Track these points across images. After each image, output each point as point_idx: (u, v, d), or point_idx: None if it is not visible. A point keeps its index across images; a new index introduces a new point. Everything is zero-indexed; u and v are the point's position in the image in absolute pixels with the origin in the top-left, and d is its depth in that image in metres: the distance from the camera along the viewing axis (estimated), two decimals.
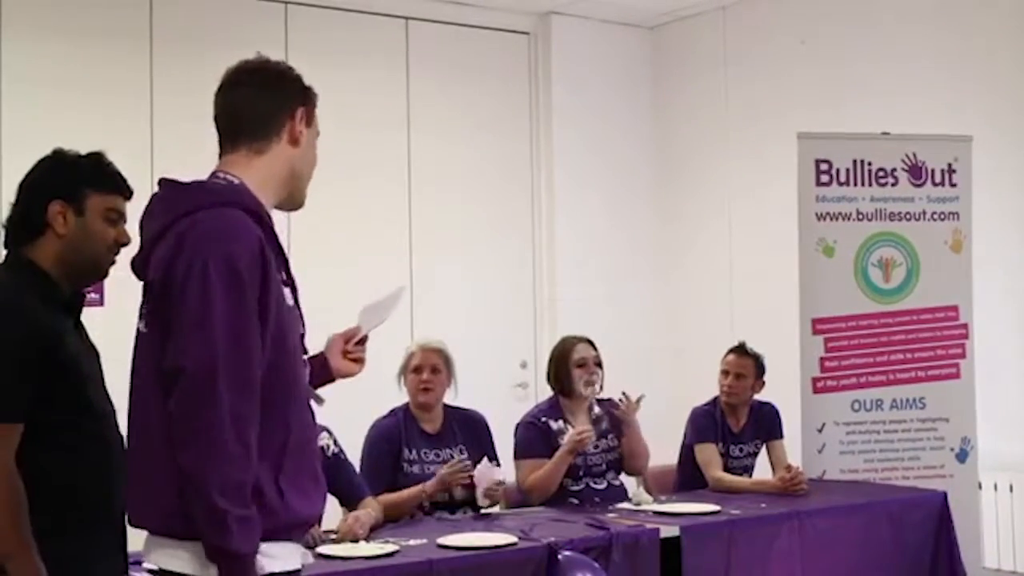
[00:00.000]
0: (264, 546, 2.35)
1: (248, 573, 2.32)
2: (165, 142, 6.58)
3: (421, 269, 7.30)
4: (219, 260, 2.34)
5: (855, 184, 5.95)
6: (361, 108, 7.08)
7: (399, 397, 4.98)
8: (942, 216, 5.98)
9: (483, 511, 4.77)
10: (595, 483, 5.15)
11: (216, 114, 2.65)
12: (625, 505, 4.89)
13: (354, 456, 4.74)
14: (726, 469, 5.43)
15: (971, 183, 6.00)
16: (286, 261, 2.55)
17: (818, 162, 5.93)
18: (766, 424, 5.63)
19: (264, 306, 2.38)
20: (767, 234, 7.13)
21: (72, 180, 2.96)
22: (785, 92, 7.30)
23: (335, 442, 4.59)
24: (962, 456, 5.86)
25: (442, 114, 7.44)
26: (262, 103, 2.62)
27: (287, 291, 2.50)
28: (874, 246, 5.92)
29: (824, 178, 5.93)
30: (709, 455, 5.42)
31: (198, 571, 2.36)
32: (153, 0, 6.61)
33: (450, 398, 5.02)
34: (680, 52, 8.09)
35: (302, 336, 2.57)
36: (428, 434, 4.92)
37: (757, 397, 5.64)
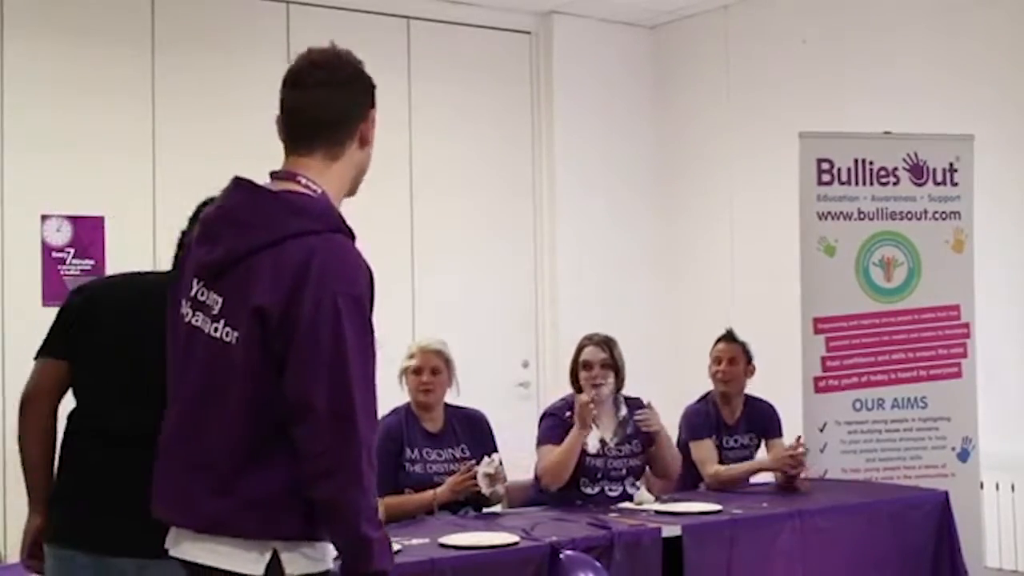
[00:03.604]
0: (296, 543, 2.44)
1: None
2: (167, 142, 6.58)
3: (423, 269, 7.31)
4: (348, 299, 2.38)
5: (856, 183, 5.95)
6: None
7: (401, 396, 4.98)
8: (943, 215, 5.98)
9: (485, 511, 4.77)
10: (611, 488, 5.07)
11: (288, 110, 2.62)
12: (627, 504, 4.88)
13: None
14: (721, 461, 5.43)
15: (972, 182, 5.99)
16: None
17: (820, 161, 5.93)
18: (763, 421, 5.63)
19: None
20: (768, 233, 7.13)
21: None
22: (786, 91, 7.31)
23: None
24: (964, 455, 5.85)
25: (443, 114, 7.44)
26: (339, 106, 2.60)
27: None
28: (875, 245, 5.92)
29: (825, 177, 5.93)
30: (705, 452, 5.41)
31: (246, 567, 2.42)
32: (155, 2, 6.61)
33: (452, 398, 5.02)
34: (681, 52, 8.09)
35: None
36: (430, 433, 4.92)
37: (754, 393, 5.66)
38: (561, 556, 4.01)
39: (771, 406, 5.68)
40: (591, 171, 7.91)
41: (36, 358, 3.20)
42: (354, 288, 2.40)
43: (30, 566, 3.25)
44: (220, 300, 2.47)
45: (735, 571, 4.44)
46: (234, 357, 2.43)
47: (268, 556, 2.42)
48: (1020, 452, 6.07)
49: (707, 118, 7.86)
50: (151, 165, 6.57)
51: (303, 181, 2.54)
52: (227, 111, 6.78)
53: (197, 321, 2.50)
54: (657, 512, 4.64)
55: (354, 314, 2.39)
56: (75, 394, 3.21)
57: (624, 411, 5.18)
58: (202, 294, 2.50)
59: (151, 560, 2.87)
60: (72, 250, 6.29)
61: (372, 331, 2.43)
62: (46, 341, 3.19)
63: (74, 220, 6.32)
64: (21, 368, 6.09)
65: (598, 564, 4.06)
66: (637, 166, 8.09)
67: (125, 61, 6.54)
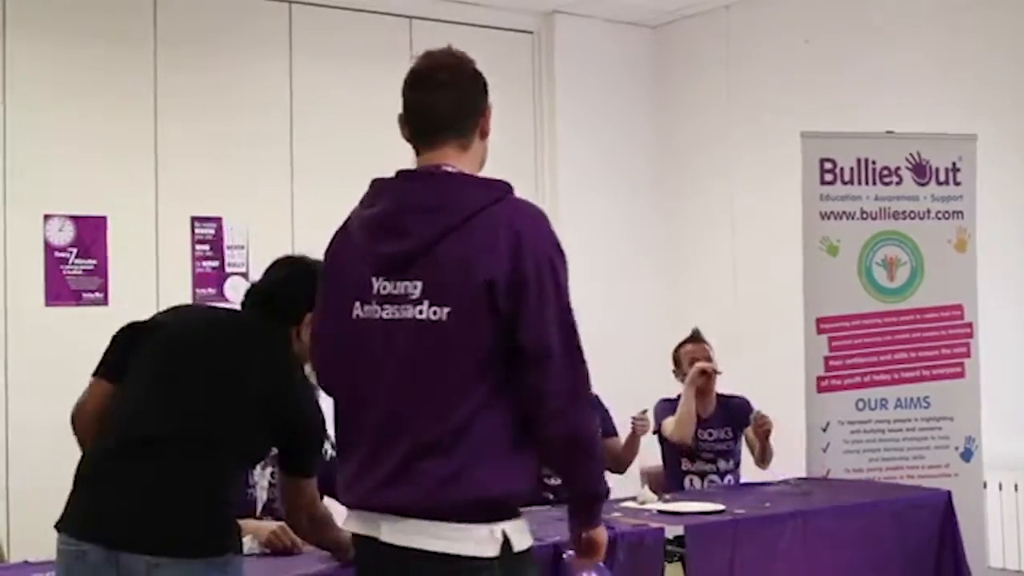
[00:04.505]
0: (516, 522, 2.65)
1: (601, 510, 2.82)
2: (169, 141, 6.59)
3: None
4: (555, 248, 2.65)
5: (859, 183, 5.94)
6: (365, 108, 7.09)
7: None
8: (946, 215, 5.97)
9: None
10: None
11: (416, 110, 2.78)
12: (629, 504, 4.88)
13: None
14: (696, 452, 5.63)
15: (975, 182, 5.98)
16: None
17: (822, 161, 5.91)
18: (738, 413, 5.73)
19: None
20: (771, 233, 7.13)
21: None
22: (789, 91, 7.31)
23: (333, 447, 4.59)
24: (967, 455, 5.84)
25: None
26: (463, 103, 2.79)
27: None
28: (878, 245, 5.91)
29: (828, 177, 5.92)
30: (668, 423, 5.66)
31: (475, 550, 2.56)
32: (157, 1, 6.61)
33: None
34: (683, 51, 8.10)
35: None
36: None
37: (726, 392, 5.76)
38: (564, 556, 4.00)
39: (744, 399, 5.77)
40: (593, 170, 7.91)
41: (92, 375, 3.24)
42: (553, 236, 2.66)
43: None
44: (419, 284, 2.61)
45: (738, 571, 4.43)
46: (447, 332, 2.58)
47: (500, 535, 2.59)
48: (1023, 452, 6.07)
49: (709, 117, 7.87)
50: (153, 165, 6.57)
51: (450, 168, 2.72)
52: (229, 111, 6.78)
53: (387, 314, 2.64)
54: (660, 512, 4.64)
55: (561, 259, 2.65)
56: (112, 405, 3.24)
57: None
58: (389, 287, 2.65)
59: (164, 558, 2.89)
60: (75, 250, 6.29)
61: (565, 270, 2.67)
62: (100, 361, 3.26)
63: (76, 220, 6.32)
64: (24, 367, 6.18)
65: (601, 564, 4.05)
66: (639, 165, 8.10)
67: (127, 61, 6.55)
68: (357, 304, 2.68)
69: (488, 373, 2.57)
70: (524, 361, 2.57)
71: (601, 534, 2.86)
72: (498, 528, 2.58)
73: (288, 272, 3.39)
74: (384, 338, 2.64)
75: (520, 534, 2.64)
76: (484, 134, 2.81)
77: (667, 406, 5.72)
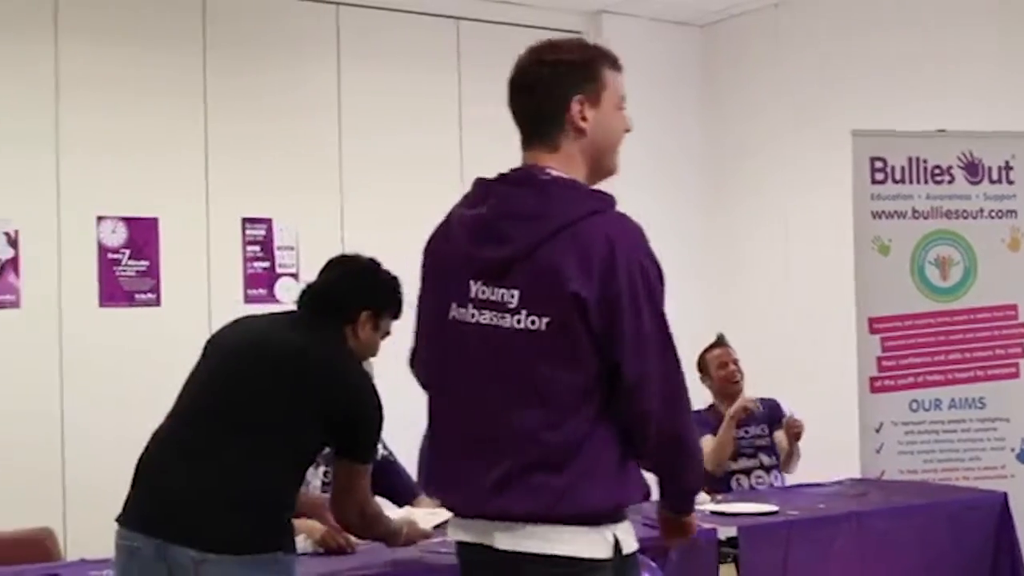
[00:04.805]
0: (624, 524, 2.67)
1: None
2: (219, 144, 6.63)
3: None
4: (651, 263, 2.64)
5: (911, 182, 5.90)
6: (413, 109, 7.11)
7: None
8: (999, 214, 5.92)
9: None
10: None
11: (511, 111, 2.79)
12: None
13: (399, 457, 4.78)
14: (737, 450, 5.61)
15: None
16: None
17: (873, 160, 5.88)
18: (771, 413, 5.77)
19: None
20: (822, 233, 7.08)
21: (386, 300, 3.41)
22: (839, 90, 7.25)
23: (384, 446, 4.61)
24: (1023, 456, 5.80)
25: (494, 114, 7.38)
26: (542, 106, 2.72)
27: None
28: (930, 244, 5.87)
29: (879, 176, 5.89)
30: (704, 447, 5.56)
31: (590, 552, 2.58)
32: (206, 3, 6.66)
33: None
34: (731, 50, 8.06)
35: None
36: None
37: (760, 396, 5.75)
38: None
39: (776, 401, 5.81)
40: (640, 172, 7.85)
41: None
42: (651, 254, 2.65)
43: None
44: (516, 292, 2.60)
45: (791, 572, 4.40)
46: (547, 343, 2.57)
47: (612, 537, 2.61)
48: None
49: (758, 117, 7.82)
50: (204, 166, 6.61)
51: (551, 171, 2.68)
52: (278, 112, 6.81)
53: (485, 319, 2.63)
54: (712, 512, 4.62)
55: (658, 278, 2.65)
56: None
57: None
58: (487, 292, 2.64)
59: (210, 554, 2.91)
60: (127, 251, 6.34)
61: (661, 286, 2.67)
62: None
63: (129, 221, 6.37)
64: (80, 368, 6.23)
65: (653, 564, 4.04)
66: (687, 166, 8.06)
67: (177, 63, 6.59)
68: (454, 305, 2.68)
69: (595, 386, 2.58)
70: (623, 380, 2.57)
71: (693, 519, 2.99)
72: (609, 531, 2.61)
73: (342, 272, 3.43)
74: (481, 343, 2.64)
75: (628, 536, 2.68)
76: (578, 130, 2.70)
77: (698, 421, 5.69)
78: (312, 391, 3.09)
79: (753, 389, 5.83)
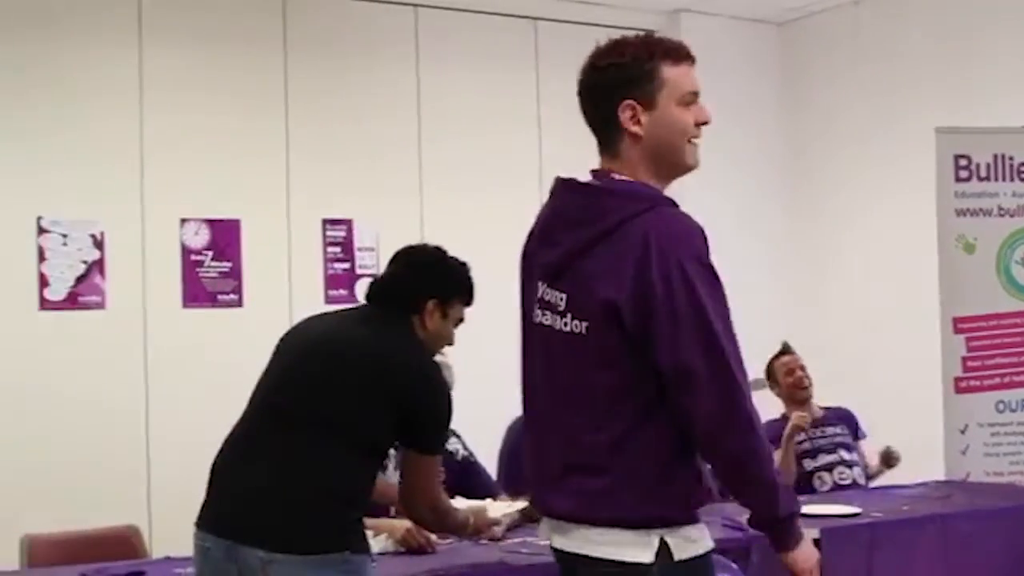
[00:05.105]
0: (677, 530, 2.55)
1: (796, 531, 2.61)
2: (300, 146, 6.68)
3: None
4: (692, 261, 2.53)
5: (996, 179, 5.81)
6: (491, 110, 7.12)
7: None
8: None
9: None
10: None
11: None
12: None
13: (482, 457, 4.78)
14: (816, 449, 5.57)
15: None
16: None
17: (957, 157, 5.80)
18: (847, 419, 5.75)
19: None
20: (905, 232, 6.98)
21: (452, 288, 3.37)
22: (921, 87, 7.15)
23: (464, 446, 4.62)
24: None
25: (572, 114, 7.40)
26: (597, 110, 2.72)
27: None
28: (1017, 242, 5.77)
29: (963, 174, 5.80)
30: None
31: (634, 555, 2.53)
32: (287, 5, 6.72)
33: None
34: (810, 48, 7.97)
35: None
36: None
37: (829, 405, 5.73)
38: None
39: (849, 410, 5.78)
40: (719, 172, 7.79)
41: None
42: (693, 249, 2.55)
43: None
44: (564, 296, 2.62)
45: (875, 575, 4.36)
46: (588, 347, 2.57)
47: (656, 542, 2.53)
48: None
49: (838, 116, 7.72)
50: (285, 168, 6.67)
51: (614, 175, 2.67)
52: (358, 113, 6.86)
53: (547, 320, 2.67)
54: None
55: (701, 274, 2.53)
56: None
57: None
58: (547, 294, 2.68)
59: (278, 555, 2.92)
60: (210, 253, 6.42)
61: (720, 282, 2.57)
62: None
63: (211, 223, 6.45)
64: (163, 368, 6.32)
65: (734, 566, 4.02)
66: (766, 166, 7.99)
67: (258, 65, 6.66)
68: (534, 304, 2.73)
69: (636, 391, 2.54)
70: (667, 383, 2.52)
71: (799, 557, 2.63)
72: (656, 536, 2.53)
73: (405, 263, 3.43)
74: (543, 344, 2.68)
75: (684, 542, 2.56)
76: (633, 135, 2.66)
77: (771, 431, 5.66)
78: (379, 384, 3.09)
79: (836, 391, 5.77)
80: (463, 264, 3.44)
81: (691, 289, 2.51)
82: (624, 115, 2.66)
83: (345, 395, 3.08)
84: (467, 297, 3.39)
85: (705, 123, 2.75)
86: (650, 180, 2.68)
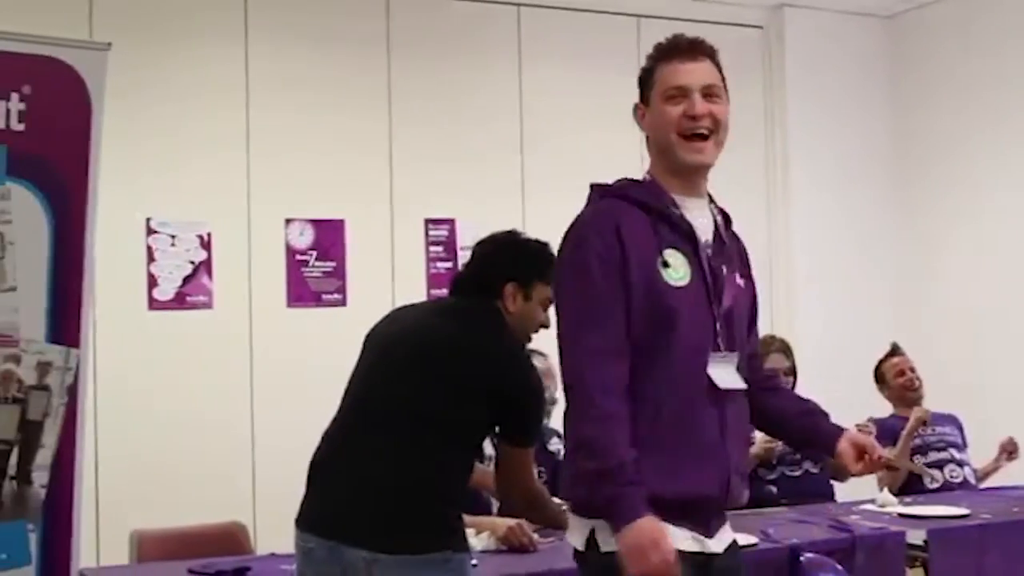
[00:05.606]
0: None
1: (617, 519, 2.51)
2: (403, 146, 6.73)
3: None
4: (567, 265, 2.67)
5: None
6: (594, 108, 7.10)
7: None
8: None
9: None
10: (791, 471, 5.31)
11: None
12: (869, 507, 4.77)
13: None
14: (927, 447, 5.49)
15: None
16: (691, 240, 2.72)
17: None
18: (956, 422, 5.67)
19: (628, 284, 2.59)
20: (1017, 232, 6.82)
21: (528, 269, 3.32)
22: None
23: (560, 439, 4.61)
24: None
25: None
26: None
27: (680, 263, 2.67)
28: None
29: None
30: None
31: (575, 541, 2.70)
32: (391, 6, 6.76)
33: None
34: (920, 43, 7.80)
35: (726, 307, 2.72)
36: None
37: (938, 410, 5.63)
38: (801, 559, 3.93)
39: (954, 415, 5.70)
40: (825, 170, 7.71)
41: None
42: (570, 250, 2.66)
43: None
44: None
45: None
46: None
47: (587, 530, 2.60)
48: None
49: (949, 113, 7.52)
50: (388, 168, 6.71)
51: (645, 175, 2.83)
52: (460, 113, 6.89)
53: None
54: (901, 515, 4.52)
55: (569, 278, 2.66)
56: None
57: None
58: None
59: (382, 555, 2.93)
60: (314, 252, 6.49)
61: (589, 275, 2.59)
62: None
63: (316, 223, 6.51)
64: (269, 367, 6.40)
65: (840, 567, 3.97)
66: (874, 165, 7.84)
67: (362, 66, 6.70)
68: None
69: None
70: None
71: (621, 543, 2.50)
72: (589, 524, 2.59)
73: (482, 250, 3.43)
74: None
75: (611, 534, 2.52)
76: (646, 136, 2.83)
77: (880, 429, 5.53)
78: (466, 375, 3.08)
79: (947, 391, 5.68)
80: (540, 243, 3.39)
81: (559, 293, 2.71)
82: (636, 116, 2.83)
83: (432, 390, 3.08)
84: (546, 275, 3.24)
85: (693, 117, 2.72)
86: (665, 176, 2.78)
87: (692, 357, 2.62)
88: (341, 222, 6.57)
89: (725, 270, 2.74)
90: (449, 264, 6.76)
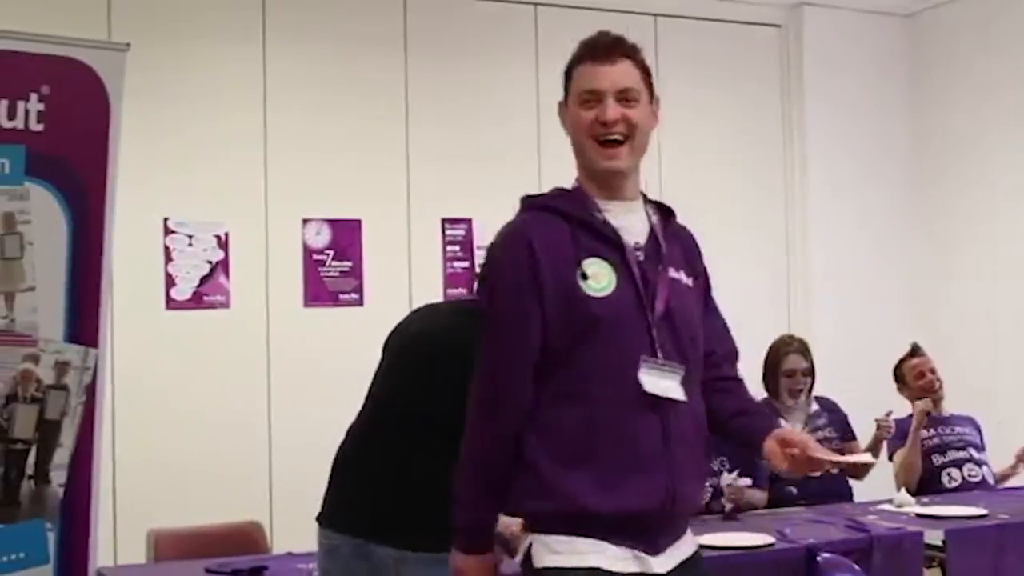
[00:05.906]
0: (544, 537, 2.48)
1: (461, 544, 2.59)
2: (419, 146, 6.73)
3: None
4: (482, 281, 2.75)
5: None
6: None
7: None
8: None
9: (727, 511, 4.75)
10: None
11: None
12: (886, 507, 4.76)
13: None
14: (945, 446, 5.49)
15: None
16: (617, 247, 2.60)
17: None
18: (975, 422, 5.66)
19: (540, 297, 2.51)
20: None
21: None
22: None
23: None
24: None
25: (692, 112, 7.35)
26: None
27: (603, 272, 2.55)
28: None
29: None
30: (899, 454, 5.49)
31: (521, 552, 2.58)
32: (408, 5, 6.76)
33: None
34: (940, 42, 7.75)
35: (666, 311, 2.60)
36: None
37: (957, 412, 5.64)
38: (818, 559, 3.93)
39: (974, 418, 5.69)
40: (844, 170, 7.67)
41: None
42: (489, 254, 2.72)
43: None
44: None
45: None
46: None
47: (527, 546, 2.51)
48: None
49: (969, 113, 7.47)
50: (405, 168, 6.72)
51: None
52: (477, 112, 6.89)
53: None
54: (918, 515, 4.50)
55: (485, 287, 2.73)
56: None
57: (815, 407, 5.44)
58: None
59: (408, 552, 2.94)
60: (331, 252, 6.49)
61: (497, 298, 2.60)
62: None
63: (332, 223, 6.52)
64: (286, 366, 6.41)
65: (857, 567, 3.96)
66: (893, 165, 7.81)
67: (379, 65, 6.71)
68: None
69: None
70: None
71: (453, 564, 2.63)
72: (529, 538, 2.51)
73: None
74: None
75: (548, 550, 2.47)
76: (566, 130, 2.74)
77: (897, 429, 5.53)
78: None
79: (965, 392, 5.65)
80: None
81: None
82: (560, 115, 2.74)
83: (440, 392, 3.05)
84: None
85: (604, 123, 2.61)
86: (587, 181, 2.69)
87: (622, 364, 2.49)
88: (358, 222, 6.58)
89: (664, 272, 2.63)
90: (466, 264, 6.76)
